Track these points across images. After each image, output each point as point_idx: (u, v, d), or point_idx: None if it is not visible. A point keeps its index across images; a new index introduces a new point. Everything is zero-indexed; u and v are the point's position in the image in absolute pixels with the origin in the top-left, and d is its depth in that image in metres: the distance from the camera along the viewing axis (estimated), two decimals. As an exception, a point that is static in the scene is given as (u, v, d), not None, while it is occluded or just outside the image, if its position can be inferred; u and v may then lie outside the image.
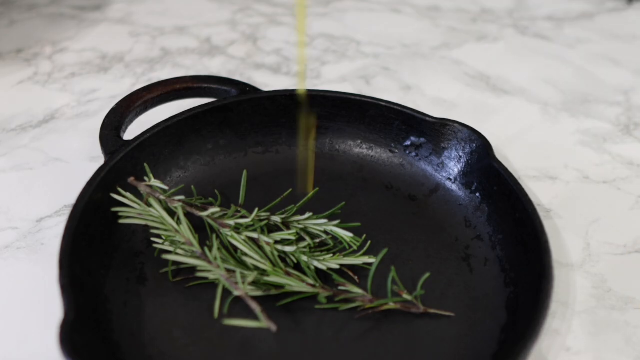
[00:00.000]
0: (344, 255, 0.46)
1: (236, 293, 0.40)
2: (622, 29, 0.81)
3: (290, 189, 0.50)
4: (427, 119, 0.53)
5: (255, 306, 0.39)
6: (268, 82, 0.68)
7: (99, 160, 0.55)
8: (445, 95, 0.67)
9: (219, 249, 0.42)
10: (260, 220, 0.46)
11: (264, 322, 0.38)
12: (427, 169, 0.54)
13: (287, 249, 0.44)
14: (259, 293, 0.42)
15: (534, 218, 0.44)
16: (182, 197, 0.46)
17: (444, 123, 0.52)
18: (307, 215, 0.47)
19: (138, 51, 0.73)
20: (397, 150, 0.55)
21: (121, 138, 0.50)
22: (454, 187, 0.52)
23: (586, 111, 0.66)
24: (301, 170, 0.47)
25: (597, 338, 0.44)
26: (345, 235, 0.46)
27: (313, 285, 0.43)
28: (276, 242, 0.45)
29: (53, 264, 0.43)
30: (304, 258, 0.44)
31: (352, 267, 0.46)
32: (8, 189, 0.54)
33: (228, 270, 0.42)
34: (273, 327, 0.38)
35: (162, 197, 0.46)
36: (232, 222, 0.45)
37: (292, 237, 0.45)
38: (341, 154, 0.56)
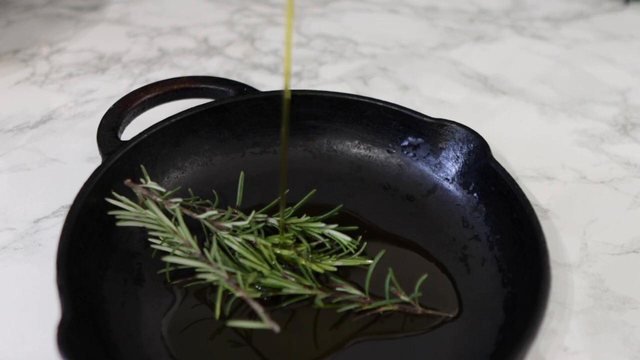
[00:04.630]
0: (342, 257, 0.46)
1: (238, 294, 0.40)
2: (619, 29, 0.81)
3: (288, 190, 0.50)
4: (425, 119, 0.53)
5: (257, 307, 0.38)
6: (265, 82, 0.68)
7: (97, 160, 0.55)
8: (442, 96, 0.67)
9: (217, 250, 0.42)
10: (257, 223, 0.46)
11: (266, 323, 0.38)
12: (424, 169, 0.54)
13: (285, 252, 0.44)
14: (256, 295, 0.42)
15: (532, 218, 0.44)
16: (179, 200, 0.46)
17: (441, 123, 0.52)
18: (304, 217, 0.47)
19: (135, 52, 0.73)
20: (394, 151, 0.55)
21: (118, 139, 0.50)
22: (451, 187, 0.52)
23: (583, 111, 0.66)
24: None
25: (594, 338, 0.44)
26: (343, 238, 0.46)
27: (311, 287, 0.43)
28: (273, 244, 0.45)
29: (50, 264, 0.43)
30: (302, 261, 0.44)
31: (349, 269, 0.46)
32: (5, 189, 0.54)
33: (228, 272, 0.42)
34: (276, 328, 0.38)
35: (159, 199, 0.45)
36: (229, 225, 0.45)
37: (290, 241, 0.45)
38: (339, 154, 0.56)
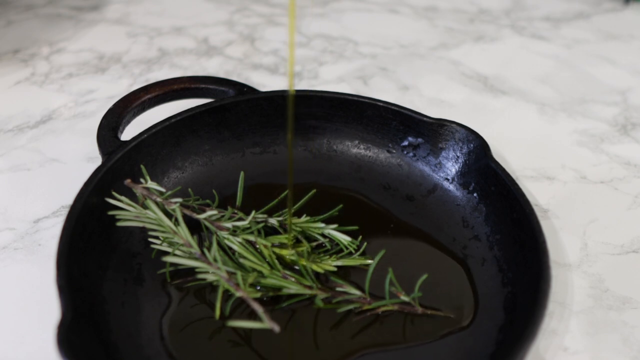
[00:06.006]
0: (342, 257, 0.46)
1: (238, 294, 0.40)
2: (619, 29, 0.81)
3: (288, 190, 0.49)
4: (425, 119, 0.53)
5: (257, 307, 0.38)
6: (265, 82, 0.68)
7: (96, 160, 0.55)
8: (442, 96, 0.67)
9: (217, 250, 0.42)
10: (257, 223, 0.46)
11: (266, 323, 0.38)
12: (424, 169, 0.54)
13: (285, 252, 0.44)
14: (256, 295, 0.42)
15: (532, 218, 0.44)
16: (179, 200, 0.46)
17: (441, 123, 0.52)
18: (304, 218, 0.47)
19: (135, 51, 0.73)
20: (394, 151, 0.55)
21: (118, 139, 0.50)
22: (451, 187, 0.52)
23: (583, 111, 0.66)
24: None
25: (594, 338, 0.44)
26: (343, 238, 0.46)
27: (311, 287, 0.43)
28: (273, 245, 0.45)
29: (50, 264, 0.43)
30: (302, 261, 0.44)
31: (349, 269, 0.46)
32: (5, 189, 0.54)
33: (228, 272, 0.42)
34: (276, 328, 0.38)
35: (159, 199, 0.45)
36: (229, 225, 0.45)
37: (289, 242, 0.45)
38: (339, 154, 0.56)
